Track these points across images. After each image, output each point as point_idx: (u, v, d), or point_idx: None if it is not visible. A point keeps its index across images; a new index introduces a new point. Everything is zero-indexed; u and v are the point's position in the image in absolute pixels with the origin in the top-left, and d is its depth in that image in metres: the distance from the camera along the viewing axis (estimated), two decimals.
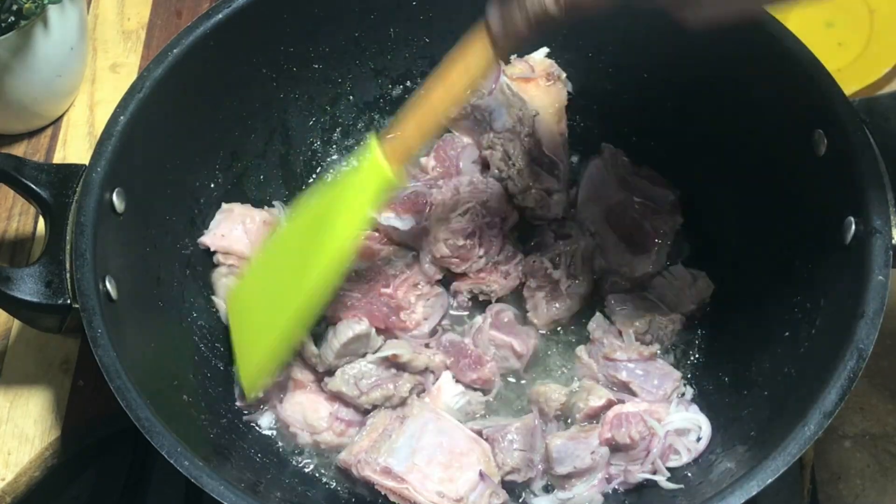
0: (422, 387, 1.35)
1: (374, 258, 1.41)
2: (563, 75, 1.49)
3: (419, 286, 1.42)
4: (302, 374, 1.35)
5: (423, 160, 1.50)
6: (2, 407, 1.39)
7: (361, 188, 1.17)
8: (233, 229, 1.42)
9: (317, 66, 1.48)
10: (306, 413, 1.32)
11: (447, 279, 1.44)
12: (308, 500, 1.28)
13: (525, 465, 1.26)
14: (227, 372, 1.36)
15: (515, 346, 1.36)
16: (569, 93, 1.50)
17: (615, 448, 1.26)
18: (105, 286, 1.15)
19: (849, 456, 1.35)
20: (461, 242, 1.39)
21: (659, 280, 1.42)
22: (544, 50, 1.50)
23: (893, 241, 1.11)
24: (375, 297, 1.37)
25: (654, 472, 1.24)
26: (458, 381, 1.36)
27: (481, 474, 1.23)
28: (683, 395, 1.34)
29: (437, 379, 1.36)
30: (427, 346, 1.39)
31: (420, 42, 1.51)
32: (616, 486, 1.27)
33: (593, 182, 1.49)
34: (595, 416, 1.28)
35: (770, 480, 1.02)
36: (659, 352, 1.37)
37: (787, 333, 1.23)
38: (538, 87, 1.48)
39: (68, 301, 1.14)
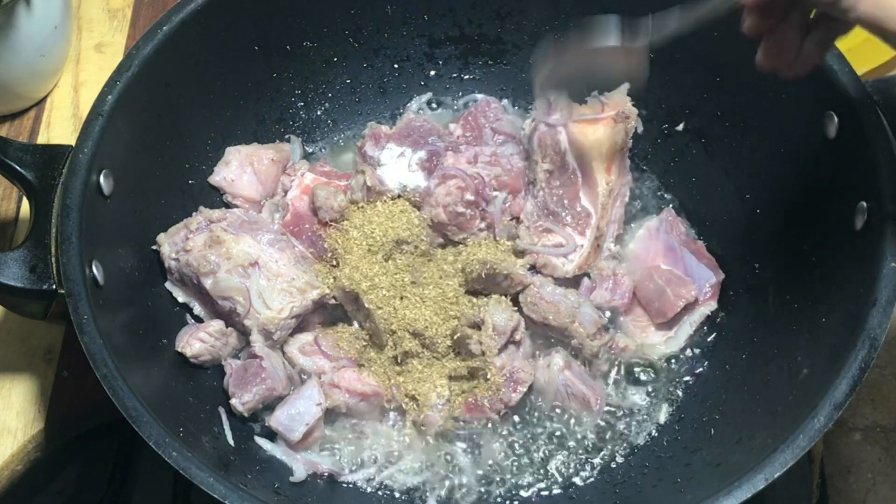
0: None
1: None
2: (635, 113, 1.37)
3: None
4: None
5: (451, 125, 1.47)
6: None
7: None
8: (242, 174, 1.42)
9: (311, 44, 1.45)
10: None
11: None
12: (297, 493, 1.25)
13: None
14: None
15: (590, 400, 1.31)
16: (636, 132, 1.40)
17: None
18: (91, 271, 1.12)
19: (859, 449, 1.33)
20: (460, 210, 1.35)
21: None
22: (625, 86, 1.39)
23: None
24: None
25: None
26: None
27: None
28: None
29: None
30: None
31: (418, 20, 1.48)
32: None
33: (643, 242, 1.43)
34: None
35: (778, 474, 1.00)
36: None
37: (796, 323, 1.21)
38: (604, 126, 1.36)
39: (53, 286, 1.12)
